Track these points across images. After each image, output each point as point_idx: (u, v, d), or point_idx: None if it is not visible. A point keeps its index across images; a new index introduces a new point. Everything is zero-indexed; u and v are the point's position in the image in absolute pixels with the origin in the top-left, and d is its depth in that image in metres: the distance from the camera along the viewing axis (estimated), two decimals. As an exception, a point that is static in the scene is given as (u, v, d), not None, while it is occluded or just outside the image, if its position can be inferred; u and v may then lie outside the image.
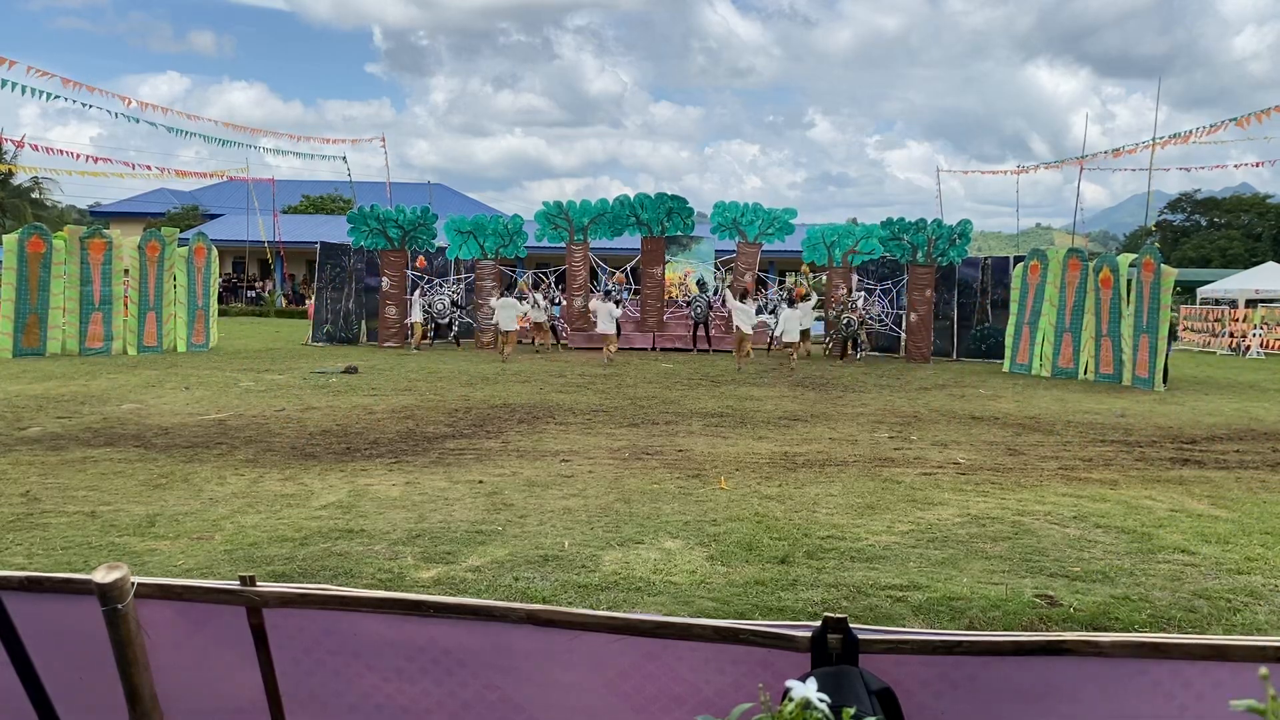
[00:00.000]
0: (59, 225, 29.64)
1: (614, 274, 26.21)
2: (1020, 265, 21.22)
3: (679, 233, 25.12)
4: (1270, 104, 20.32)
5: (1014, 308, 20.98)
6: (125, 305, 20.52)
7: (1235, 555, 6.20)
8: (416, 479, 8.08)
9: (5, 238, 19.37)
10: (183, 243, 22.86)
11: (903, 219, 23.62)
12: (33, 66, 24.08)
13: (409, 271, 24.17)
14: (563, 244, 24.93)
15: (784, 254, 34.94)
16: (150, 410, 11.90)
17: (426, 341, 23.52)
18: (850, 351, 22.64)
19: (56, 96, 25.40)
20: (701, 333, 23.94)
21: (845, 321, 22.55)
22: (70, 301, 19.54)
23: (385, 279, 23.96)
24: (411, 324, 23.55)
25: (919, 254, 23.26)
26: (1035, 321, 20.14)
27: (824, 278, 26.12)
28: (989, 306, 23.65)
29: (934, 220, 23.76)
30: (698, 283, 25.70)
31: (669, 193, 24.76)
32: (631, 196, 24.70)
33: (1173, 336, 19.52)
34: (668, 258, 25.38)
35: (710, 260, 27.33)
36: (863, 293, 23.93)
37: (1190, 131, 26.20)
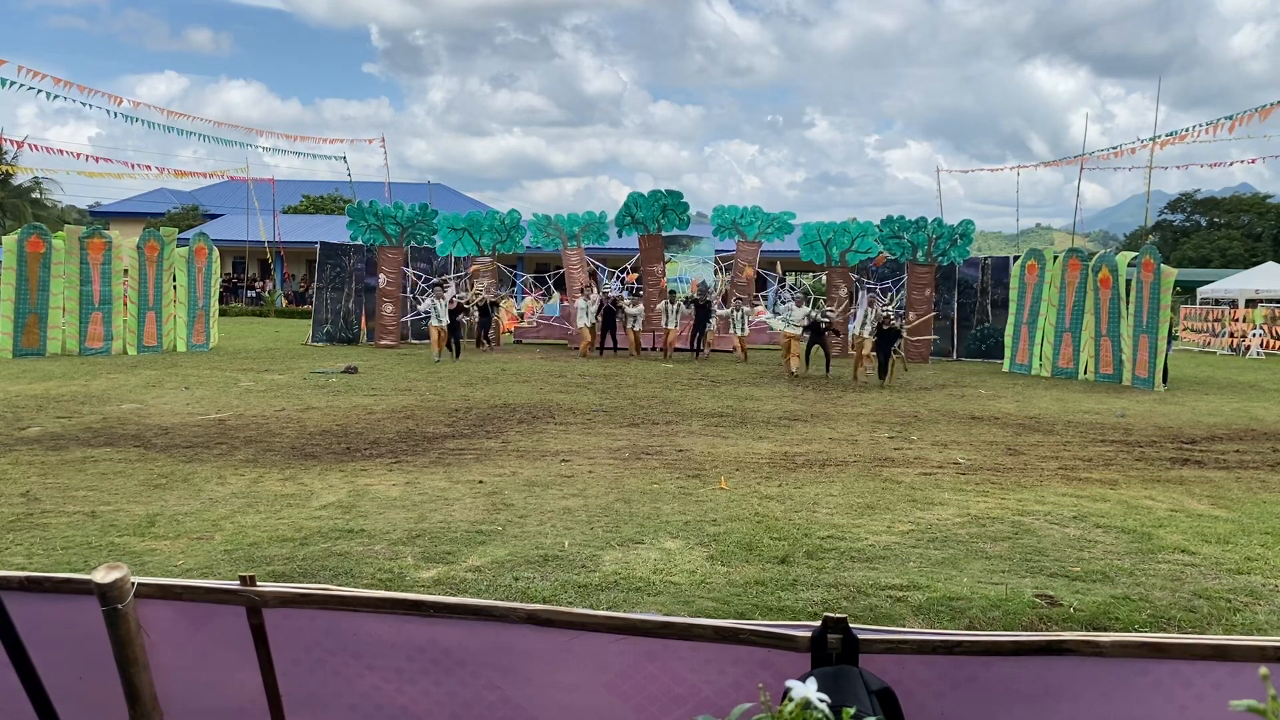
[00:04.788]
0: (59, 225, 29.61)
1: (612, 274, 26.50)
2: (1018, 265, 21.21)
3: (676, 229, 25.05)
4: (1269, 102, 20.32)
5: (1013, 308, 20.97)
6: (125, 305, 20.53)
7: (1235, 555, 6.20)
8: (416, 479, 8.08)
9: (5, 238, 19.37)
10: (182, 243, 22.85)
11: (902, 217, 23.54)
12: (24, 66, 24.12)
13: (409, 271, 24.15)
14: (558, 249, 25.31)
15: (781, 254, 34.94)
16: (150, 410, 11.89)
17: (486, 345, 22.69)
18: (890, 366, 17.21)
19: (56, 96, 25.40)
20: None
21: (886, 326, 16.92)
22: (70, 301, 19.53)
23: (382, 275, 23.86)
24: (498, 322, 23.21)
25: (919, 253, 23.22)
26: (1035, 321, 20.13)
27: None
28: (989, 306, 23.65)
29: (934, 219, 23.71)
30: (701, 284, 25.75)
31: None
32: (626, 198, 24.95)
33: (1171, 337, 19.52)
34: (668, 257, 25.39)
35: (710, 260, 27.35)
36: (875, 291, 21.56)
37: (1189, 130, 26.25)
